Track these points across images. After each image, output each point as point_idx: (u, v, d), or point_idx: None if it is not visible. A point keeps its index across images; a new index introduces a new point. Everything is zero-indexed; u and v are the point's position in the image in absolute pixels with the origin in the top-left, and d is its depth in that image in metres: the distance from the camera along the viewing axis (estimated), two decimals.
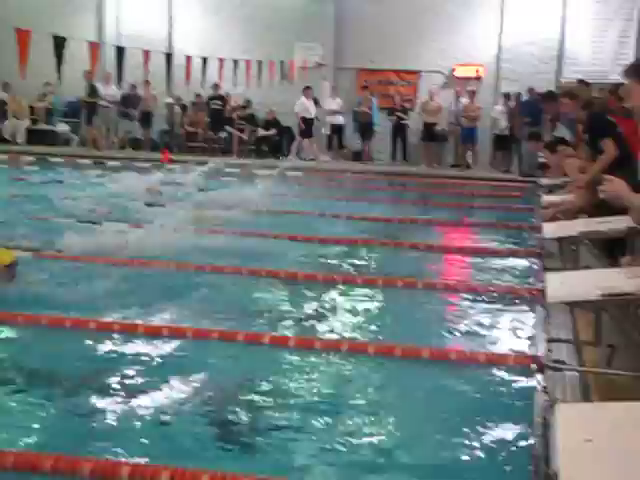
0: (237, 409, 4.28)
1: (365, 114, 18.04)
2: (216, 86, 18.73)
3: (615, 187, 3.54)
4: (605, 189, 3.62)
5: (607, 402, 2.48)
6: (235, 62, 18.76)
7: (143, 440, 3.83)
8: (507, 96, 17.54)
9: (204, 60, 18.75)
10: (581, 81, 10.41)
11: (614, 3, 17.86)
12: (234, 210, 10.30)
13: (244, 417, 4.20)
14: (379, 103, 18.41)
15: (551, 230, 6.01)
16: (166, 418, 4.12)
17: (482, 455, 3.86)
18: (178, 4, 20.24)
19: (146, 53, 18.03)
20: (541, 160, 12.42)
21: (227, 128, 18.76)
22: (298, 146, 18.36)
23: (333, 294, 6.66)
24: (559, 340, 5.16)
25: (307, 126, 18.10)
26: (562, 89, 7.69)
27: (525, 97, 17.07)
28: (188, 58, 18.74)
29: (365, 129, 18.19)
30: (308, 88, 18.06)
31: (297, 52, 18.70)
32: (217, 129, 18.82)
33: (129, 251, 7.53)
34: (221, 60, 18.71)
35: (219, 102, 18.76)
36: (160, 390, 4.49)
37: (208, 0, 20.05)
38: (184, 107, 19.43)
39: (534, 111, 16.03)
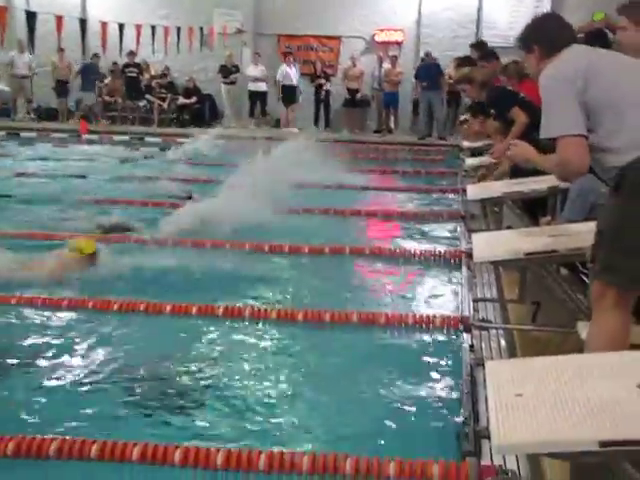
0: (165, 379, 4.22)
1: (287, 80, 17.87)
2: (132, 53, 18.22)
3: (521, 151, 3.58)
4: (512, 153, 3.65)
5: (534, 357, 2.52)
6: (153, 28, 18.29)
7: (67, 414, 3.73)
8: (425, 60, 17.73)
9: (120, 26, 18.21)
10: (467, 58, 10.40)
11: None
12: None
13: (172, 387, 4.15)
14: (301, 69, 18.28)
15: (474, 192, 6.09)
16: (87, 390, 4.04)
17: (412, 416, 3.90)
18: None
19: (59, 19, 17.39)
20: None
21: (147, 97, 18.33)
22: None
23: (261, 262, 6.62)
24: (485, 299, 5.27)
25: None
26: (459, 75, 7.71)
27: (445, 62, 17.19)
28: (103, 24, 18.17)
29: (288, 96, 18.04)
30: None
31: (216, 18, 18.33)
32: (135, 98, 18.35)
33: None
34: (138, 27, 18.22)
35: (135, 70, 18.27)
36: (82, 363, 4.40)
37: None
38: (101, 76, 18.86)
39: (430, 75, 16.27)
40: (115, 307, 5.25)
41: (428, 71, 16.59)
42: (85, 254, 5.94)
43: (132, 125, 18.06)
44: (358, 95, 18.00)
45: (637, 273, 2.93)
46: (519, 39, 3.52)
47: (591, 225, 4.13)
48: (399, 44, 18.76)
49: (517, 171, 6.01)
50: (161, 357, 4.56)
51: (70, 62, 18.34)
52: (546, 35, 3.37)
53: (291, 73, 17.76)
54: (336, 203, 9.25)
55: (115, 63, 18.58)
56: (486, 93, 7.22)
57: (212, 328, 5.04)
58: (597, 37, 7.04)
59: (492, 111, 7.39)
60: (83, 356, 4.52)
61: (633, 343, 3.09)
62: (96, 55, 18.49)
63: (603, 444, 1.89)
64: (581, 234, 3.94)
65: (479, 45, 7.39)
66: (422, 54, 18.09)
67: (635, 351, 2.64)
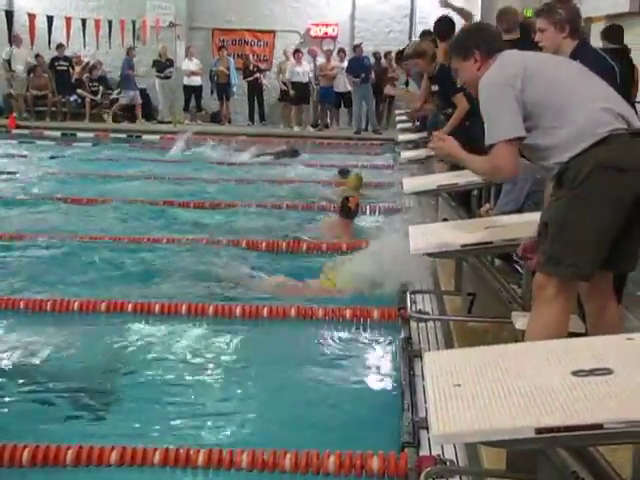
0: (95, 379, 4.15)
1: (223, 75, 17.71)
2: (60, 46, 17.77)
3: (446, 146, 3.61)
4: (436, 146, 3.68)
5: (471, 347, 2.54)
6: (83, 21, 17.89)
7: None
8: (341, 51, 17.76)
9: (49, 19, 17.75)
10: (426, 32, 10.56)
11: None
12: None
13: (104, 386, 4.08)
14: (235, 63, 18.14)
15: (410, 185, 6.11)
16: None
17: (351, 409, 3.91)
18: None
19: None
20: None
21: (78, 91, 17.92)
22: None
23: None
24: (421, 291, 5.31)
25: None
26: (413, 50, 7.75)
27: (352, 55, 17.27)
28: (31, 17, 17.69)
29: (223, 90, 17.88)
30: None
31: (149, 11, 18.04)
32: (65, 92, 17.90)
33: None
34: (68, 19, 17.79)
35: (65, 64, 17.83)
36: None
37: None
38: (29, 69, 18.34)
39: (361, 68, 16.36)
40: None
41: (360, 64, 16.63)
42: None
43: (63, 121, 17.65)
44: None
45: (579, 265, 2.99)
46: (456, 46, 3.54)
47: (526, 216, 4.21)
48: (333, 38, 18.79)
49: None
50: (92, 355, 4.48)
51: None
52: (484, 39, 3.41)
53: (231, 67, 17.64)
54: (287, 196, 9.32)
55: (38, 55, 17.99)
56: (437, 69, 7.22)
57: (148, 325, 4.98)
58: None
59: (434, 87, 7.40)
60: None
61: (570, 332, 3.15)
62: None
63: (539, 431, 1.92)
64: (516, 226, 3.99)
65: (441, 21, 7.41)
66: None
67: (569, 339, 2.68)
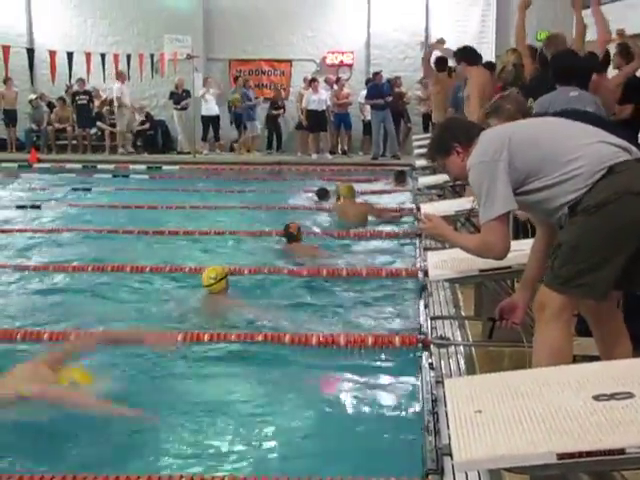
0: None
1: (240, 105, 17.85)
2: (81, 81, 18.09)
3: (435, 226, 3.67)
4: (425, 227, 3.73)
5: (492, 373, 2.55)
6: (102, 56, 18.19)
7: None
8: (369, 81, 17.87)
9: (69, 55, 18.07)
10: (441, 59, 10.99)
11: None
12: None
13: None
14: (255, 93, 18.29)
15: (428, 211, 6.14)
16: None
17: (375, 435, 3.92)
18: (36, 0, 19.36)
19: (5, 49, 17.22)
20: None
21: (98, 124, 18.18)
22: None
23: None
24: (442, 317, 5.32)
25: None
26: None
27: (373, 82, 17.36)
28: (52, 53, 18.02)
29: (240, 119, 18.03)
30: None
31: (167, 44, 18.29)
32: (86, 125, 18.18)
33: None
34: (88, 54, 18.09)
35: (85, 97, 18.11)
36: None
37: None
38: (50, 104, 18.66)
39: (380, 95, 16.43)
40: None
41: (379, 91, 16.73)
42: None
43: (84, 153, 17.89)
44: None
45: (592, 285, 3.03)
46: (436, 146, 3.64)
47: None
48: (349, 66, 18.93)
49: None
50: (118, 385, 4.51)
51: (17, 91, 18.15)
52: (460, 130, 3.52)
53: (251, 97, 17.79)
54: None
55: (66, 90, 18.43)
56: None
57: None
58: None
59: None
60: None
61: (585, 354, 3.16)
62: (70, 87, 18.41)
63: (561, 456, 1.93)
64: None
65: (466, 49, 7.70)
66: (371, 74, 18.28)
67: (589, 363, 2.69)
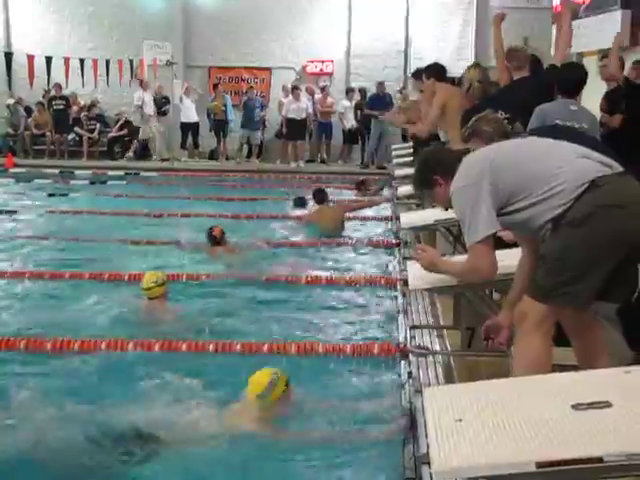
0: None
1: (219, 111, 17.83)
2: (58, 86, 17.96)
3: (428, 257, 3.72)
4: (419, 258, 3.77)
5: (472, 382, 2.56)
6: (81, 61, 18.09)
7: None
8: (351, 90, 17.95)
9: (48, 60, 17.96)
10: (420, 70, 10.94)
11: (454, 1, 18.63)
12: None
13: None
14: (232, 100, 18.28)
15: (408, 220, 6.18)
16: None
17: (352, 445, 3.91)
18: (14, 3, 19.20)
19: None
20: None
21: (75, 129, 18.05)
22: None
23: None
24: (421, 326, 5.33)
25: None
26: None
27: (373, 91, 17.41)
28: (30, 57, 17.90)
29: (220, 127, 17.99)
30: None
31: (146, 51, 18.23)
32: (63, 131, 18.04)
33: None
34: (67, 59, 17.99)
35: (62, 102, 17.99)
36: None
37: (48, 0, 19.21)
38: (28, 109, 18.51)
39: (384, 105, 16.50)
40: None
41: (381, 101, 16.80)
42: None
43: (61, 159, 17.74)
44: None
45: (573, 294, 3.07)
46: (419, 182, 3.70)
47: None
48: (329, 75, 18.98)
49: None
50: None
51: None
52: (439, 162, 3.57)
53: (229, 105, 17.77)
54: (274, 234, 9.32)
55: (44, 96, 18.30)
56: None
57: None
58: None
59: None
60: None
61: (562, 364, 3.19)
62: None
63: (540, 465, 1.94)
64: (516, 259, 4.02)
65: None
66: (353, 84, 18.33)
67: (568, 372, 2.71)
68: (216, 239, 7.99)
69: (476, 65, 7.30)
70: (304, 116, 17.39)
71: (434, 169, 3.54)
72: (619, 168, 3.19)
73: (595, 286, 3.06)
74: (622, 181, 3.13)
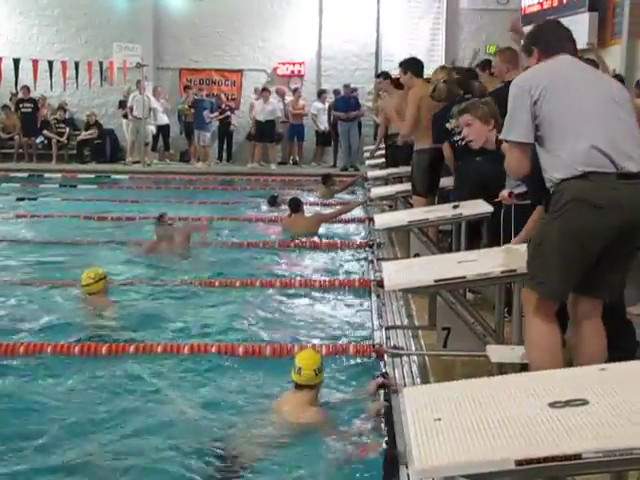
0: None
1: (189, 113, 17.72)
2: (25, 88, 17.75)
3: None
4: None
5: (450, 381, 2.58)
6: (50, 63, 17.89)
7: None
8: (323, 92, 17.97)
9: (15, 62, 17.73)
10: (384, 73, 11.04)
11: (424, 3, 18.72)
12: None
13: None
14: None
15: (382, 221, 6.19)
16: None
17: (331, 445, 3.91)
18: None
19: None
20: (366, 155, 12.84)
21: (44, 132, 17.86)
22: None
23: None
24: (396, 327, 5.35)
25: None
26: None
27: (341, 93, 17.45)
28: None
29: (191, 129, 17.89)
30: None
31: (116, 52, 18.08)
32: (31, 134, 17.83)
33: None
34: (35, 61, 17.78)
35: (30, 105, 17.78)
36: None
37: (14, 1, 18.99)
38: None
39: (349, 107, 16.60)
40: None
41: (347, 103, 16.87)
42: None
43: (30, 162, 17.54)
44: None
45: (548, 285, 3.16)
46: (524, 45, 3.80)
47: (499, 250, 4.28)
48: (301, 77, 18.98)
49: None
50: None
51: None
52: (542, 39, 3.60)
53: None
54: (248, 236, 9.29)
55: (11, 99, 18.08)
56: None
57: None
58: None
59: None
60: None
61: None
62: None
63: (519, 462, 1.95)
64: (488, 260, 4.05)
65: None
66: (324, 86, 18.36)
67: (545, 371, 2.73)
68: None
69: (443, 67, 7.36)
70: (273, 118, 17.33)
71: (535, 42, 3.61)
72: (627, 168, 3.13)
73: (565, 278, 3.12)
74: (616, 183, 3.10)
